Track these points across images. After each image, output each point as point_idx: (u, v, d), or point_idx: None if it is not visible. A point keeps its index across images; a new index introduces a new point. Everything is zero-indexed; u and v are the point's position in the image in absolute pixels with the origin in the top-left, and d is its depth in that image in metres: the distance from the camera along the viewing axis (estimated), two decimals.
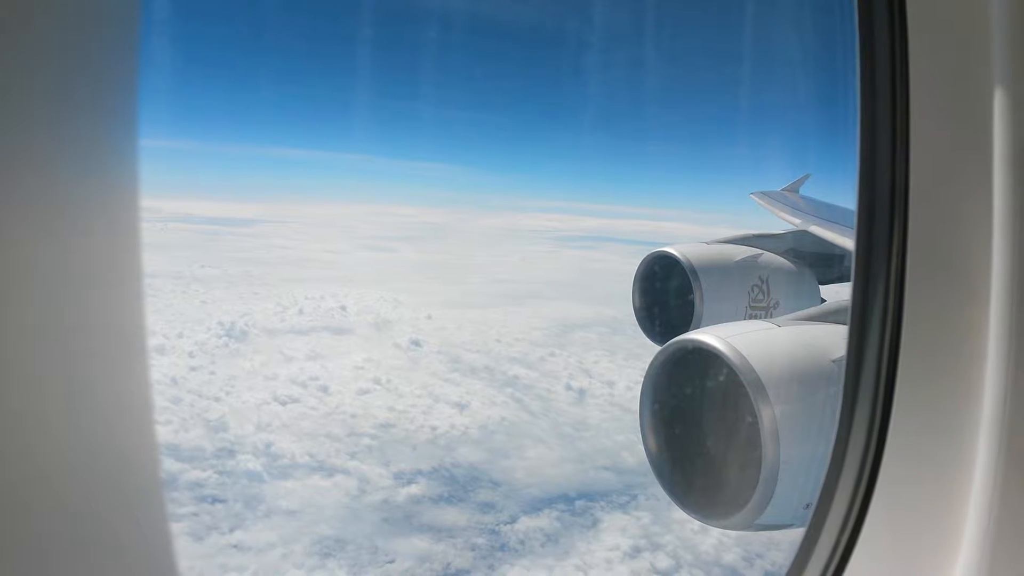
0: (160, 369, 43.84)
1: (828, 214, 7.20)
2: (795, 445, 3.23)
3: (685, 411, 3.84)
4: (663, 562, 25.63)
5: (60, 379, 0.71)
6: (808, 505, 1.87)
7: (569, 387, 45.24)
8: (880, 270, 1.71)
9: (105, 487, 0.79)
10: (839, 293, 6.11)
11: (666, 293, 6.24)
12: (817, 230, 6.63)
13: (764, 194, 8.49)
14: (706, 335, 3.62)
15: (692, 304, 5.94)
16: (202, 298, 68.52)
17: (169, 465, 31.89)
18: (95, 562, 0.77)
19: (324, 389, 43.40)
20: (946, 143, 1.60)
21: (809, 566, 1.80)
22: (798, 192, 8.64)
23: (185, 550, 26.07)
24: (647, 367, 3.76)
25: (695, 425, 3.84)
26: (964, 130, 1.56)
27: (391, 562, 26.12)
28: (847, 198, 1.86)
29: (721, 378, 3.56)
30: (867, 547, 1.73)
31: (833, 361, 3.36)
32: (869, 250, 1.73)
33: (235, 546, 26.84)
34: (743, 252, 6.31)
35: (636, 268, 6.37)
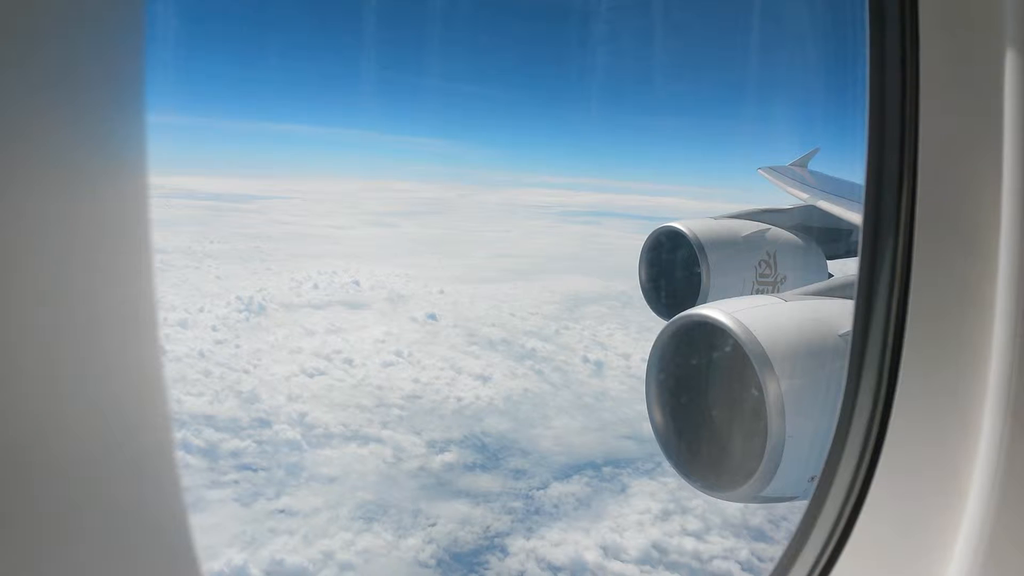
0: (186, 343, 44.74)
1: (836, 189, 7.12)
2: (801, 419, 3.27)
3: (691, 385, 3.88)
4: (693, 524, 26.71)
5: (74, 347, 0.72)
6: (813, 478, 1.87)
7: (586, 359, 46.25)
8: (887, 244, 1.70)
9: (115, 457, 0.78)
10: (846, 268, 6.18)
11: (673, 268, 6.25)
12: (825, 205, 6.58)
13: (772, 169, 8.33)
14: (712, 310, 3.65)
15: (699, 279, 5.93)
16: (216, 273, 69.17)
17: (208, 435, 32.89)
18: (104, 526, 0.76)
19: (349, 362, 44.36)
20: (956, 118, 1.57)
21: (812, 536, 1.81)
22: (806, 167, 8.47)
23: (233, 515, 27.19)
24: (653, 342, 3.82)
25: (701, 399, 3.87)
26: (974, 104, 1.54)
27: (433, 525, 27.19)
28: (856, 173, 1.83)
29: (727, 353, 3.58)
30: (871, 518, 1.73)
31: (840, 335, 3.38)
32: (876, 224, 1.72)
33: (282, 511, 27.88)
34: (750, 227, 6.28)
35: (642, 243, 6.37)
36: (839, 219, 6.30)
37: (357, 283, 67.64)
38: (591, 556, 24.92)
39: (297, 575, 23.62)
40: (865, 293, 1.75)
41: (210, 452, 31.72)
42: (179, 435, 31.67)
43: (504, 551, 25.58)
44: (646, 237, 6.39)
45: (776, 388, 3.28)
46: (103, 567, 0.77)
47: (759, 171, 8.47)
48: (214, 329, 48.82)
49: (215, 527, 25.90)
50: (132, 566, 0.83)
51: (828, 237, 6.50)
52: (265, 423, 35.07)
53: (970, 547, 1.52)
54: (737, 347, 3.45)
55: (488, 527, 27.11)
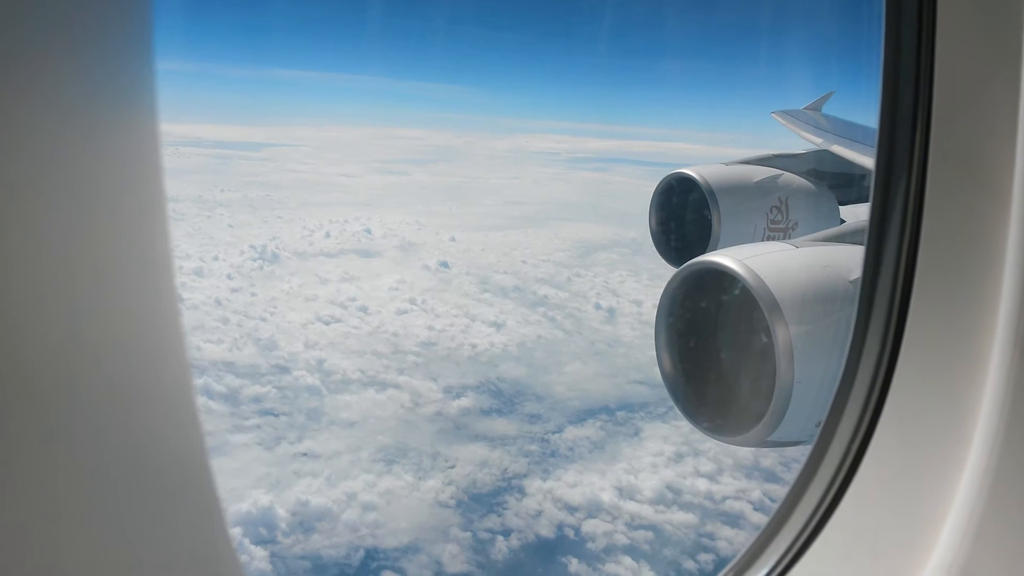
0: (202, 291, 45.28)
1: (851, 133, 6.97)
2: (810, 365, 3.28)
3: (701, 332, 3.88)
4: (705, 466, 27.30)
5: (95, 283, 0.71)
6: (819, 423, 1.87)
7: (598, 306, 46.59)
8: (899, 187, 1.66)
9: (135, 390, 0.78)
10: (860, 214, 5.86)
11: (683, 215, 6.20)
12: (839, 150, 6.46)
13: (785, 113, 8.20)
14: (722, 257, 3.63)
15: (710, 226, 5.88)
16: (228, 222, 69.47)
17: (229, 381, 33.55)
18: (123, 455, 0.75)
19: (364, 309, 44.85)
20: (972, 60, 1.53)
21: (816, 479, 1.80)
22: (820, 111, 8.32)
23: (257, 458, 27.94)
24: (663, 289, 3.81)
25: (711, 346, 3.88)
26: (991, 44, 1.50)
27: (452, 467, 27.90)
28: (871, 117, 1.78)
29: (737, 300, 3.57)
30: (875, 462, 1.73)
31: (851, 282, 3.36)
32: (889, 168, 1.69)
33: (304, 454, 28.63)
34: (762, 173, 6.18)
35: (653, 190, 6.31)
36: (853, 164, 6.21)
37: (369, 231, 67.86)
38: (606, 497, 25.59)
39: (322, 515, 24.38)
40: (875, 237, 1.73)
41: (231, 398, 32.42)
42: (200, 381, 32.37)
43: (521, 492, 26.29)
44: (657, 183, 6.34)
45: (785, 334, 3.30)
46: (122, 497, 0.76)
47: (773, 115, 8.38)
48: (229, 277, 49.35)
49: (240, 470, 26.67)
50: (153, 497, 0.82)
51: (842, 182, 6.42)
52: (284, 370, 35.72)
53: (973, 491, 1.51)
54: (747, 294, 3.46)
55: (505, 469, 27.81)
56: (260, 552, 22.26)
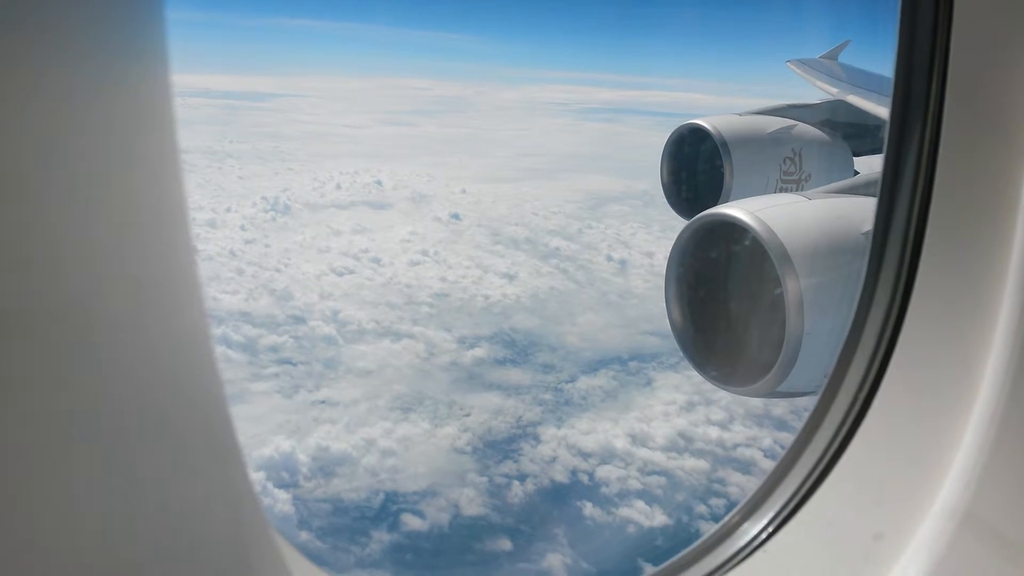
0: (216, 242, 45.63)
1: (867, 83, 6.91)
2: (819, 316, 3.30)
3: (712, 284, 3.89)
4: (717, 415, 27.71)
5: (107, 245, 0.71)
6: (828, 374, 1.89)
7: (610, 258, 46.70)
8: (913, 138, 1.65)
9: (152, 332, 0.78)
10: (874, 165, 5.98)
11: (695, 166, 6.14)
12: (855, 100, 6.40)
13: (801, 62, 8.11)
14: (734, 209, 3.63)
15: (722, 177, 5.83)
16: (239, 173, 69.48)
17: (246, 331, 34.03)
18: (137, 392, 0.75)
19: (376, 261, 45.12)
20: (991, 8, 1.50)
21: (824, 423, 1.81)
22: (836, 60, 8.20)
23: (277, 406, 28.54)
24: (674, 240, 3.82)
25: (721, 297, 3.88)
26: None
27: (467, 415, 28.43)
28: (888, 66, 1.74)
29: (748, 252, 3.57)
30: (883, 408, 1.73)
31: (863, 234, 3.32)
32: (904, 118, 1.67)
33: (323, 402, 29.20)
34: (776, 123, 6.11)
35: (664, 141, 6.23)
36: (868, 114, 6.16)
37: (379, 183, 67.77)
38: (620, 443, 26.10)
39: (342, 461, 24.99)
40: (889, 186, 1.72)
41: (250, 347, 32.93)
42: (219, 331, 32.86)
43: (536, 439, 26.81)
44: (668, 134, 6.27)
45: (796, 286, 3.31)
46: (142, 442, 0.76)
47: (788, 64, 8.30)
48: (243, 229, 49.61)
49: (261, 417, 27.26)
50: (172, 442, 0.82)
51: (856, 133, 6.35)
52: (300, 320, 36.16)
53: (978, 438, 1.52)
54: (758, 246, 3.45)
55: (520, 417, 28.32)
56: (283, 495, 22.90)
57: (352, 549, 20.90)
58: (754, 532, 1.81)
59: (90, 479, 0.69)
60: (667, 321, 3.94)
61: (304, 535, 21.25)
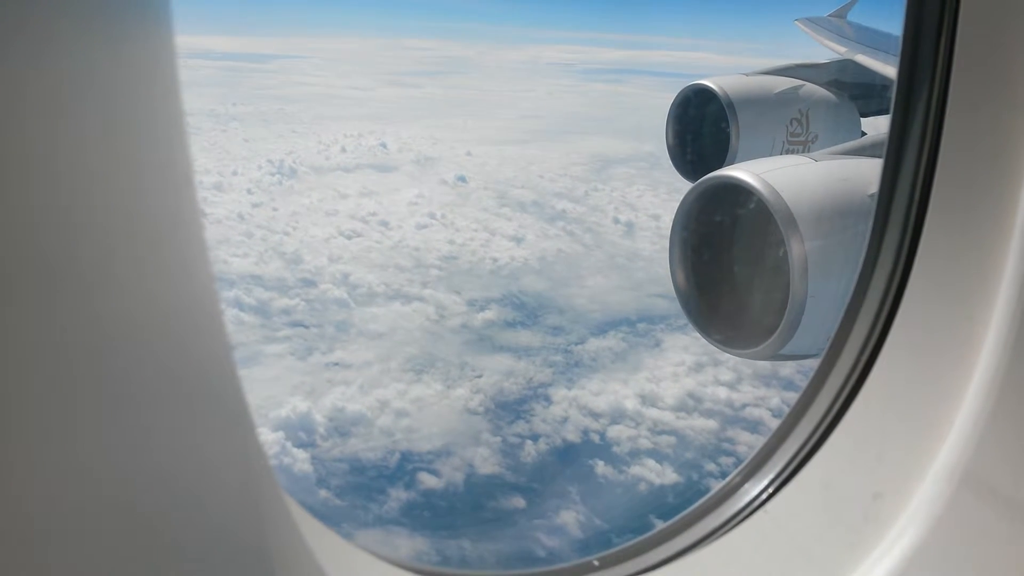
0: (224, 206, 45.73)
1: (876, 42, 6.83)
2: (824, 279, 3.30)
3: (717, 247, 3.87)
4: (725, 375, 28.07)
5: (114, 208, 0.69)
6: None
7: (617, 220, 46.74)
8: (920, 99, 1.63)
9: (161, 302, 0.77)
10: (881, 126, 5.91)
11: (701, 128, 6.07)
12: (863, 59, 6.32)
13: (809, 20, 8.04)
14: (739, 171, 3.62)
15: (728, 139, 5.78)
16: (243, 136, 69.26)
17: (258, 294, 34.33)
18: (145, 358, 0.74)
19: (384, 224, 45.22)
20: None
21: (827, 383, 1.82)
22: (845, 18, 8.14)
23: (291, 368, 28.94)
24: (679, 203, 3.82)
25: (726, 260, 3.87)
26: None
27: (479, 376, 28.82)
28: (898, 24, 1.73)
29: (753, 214, 3.56)
30: (885, 369, 1.73)
31: (869, 196, 3.28)
32: (911, 79, 1.66)
33: (336, 364, 29.58)
34: (783, 83, 6.03)
35: (670, 102, 6.18)
36: (877, 74, 6.09)
37: (384, 146, 67.49)
38: (630, 404, 26.51)
39: (357, 421, 25.44)
40: (895, 148, 1.70)
41: (262, 310, 33.24)
42: (231, 293, 33.14)
43: (548, 400, 27.22)
44: (674, 95, 6.22)
45: (800, 249, 3.31)
46: (142, 394, 0.75)
47: (796, 23, 8.22)
48: (249, 192, 49.65)
49: (275, 379, 27.67)
50: (180, 404, 0.82)
51: (864, 93, 6.28)
52: (310, 283, 36.42)
53: (979, 399, 1.52)
54: (764, 208, 3.44)
55: (531, 379, 28.70)
56: (301, 454, 23.38)
57: (371, 507, 21.41)
58: (755, 492, 1.83)
59: (95, 439, 0.68)
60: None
61: (323, 493, 21.79)
